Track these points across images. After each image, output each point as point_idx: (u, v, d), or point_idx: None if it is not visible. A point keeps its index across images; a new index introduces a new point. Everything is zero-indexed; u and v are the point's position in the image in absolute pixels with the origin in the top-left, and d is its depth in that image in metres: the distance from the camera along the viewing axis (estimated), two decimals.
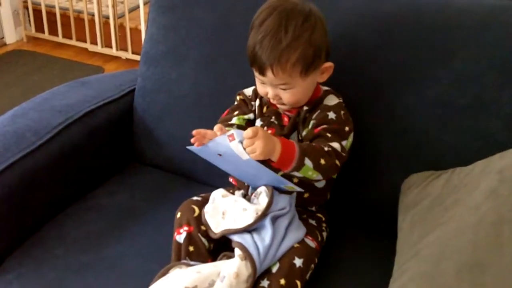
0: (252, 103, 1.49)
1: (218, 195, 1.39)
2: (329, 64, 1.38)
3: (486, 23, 1.39)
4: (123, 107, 1.78)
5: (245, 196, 1.40)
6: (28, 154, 1.50)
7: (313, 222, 1.42)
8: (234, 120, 1.46)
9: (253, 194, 1.38)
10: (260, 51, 1.29)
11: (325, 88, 1.44)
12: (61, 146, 1.59)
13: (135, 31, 3.82)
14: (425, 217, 1.24)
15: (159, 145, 1.76)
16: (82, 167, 1.67)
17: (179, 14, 1.70)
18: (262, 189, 1.35)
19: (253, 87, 1.49)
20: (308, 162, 1.27)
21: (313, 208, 1.46)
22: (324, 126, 1.36)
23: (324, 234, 1.43)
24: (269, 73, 1.31)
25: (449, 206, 1.19)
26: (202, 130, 1.32)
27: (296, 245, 1.31)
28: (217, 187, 1.44)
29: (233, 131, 1.27)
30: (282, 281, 1.25)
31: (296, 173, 1.29)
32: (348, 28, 1.49)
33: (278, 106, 1.42)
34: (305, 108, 1.40)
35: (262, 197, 1.34)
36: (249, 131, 1.24)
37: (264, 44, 1.29)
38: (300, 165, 1.27)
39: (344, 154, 1.34)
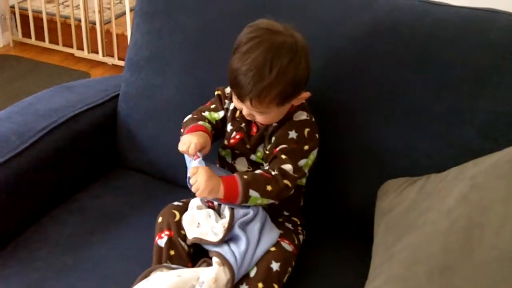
0: (226, 101, 1.50)
1: (194, 205, 1.43)
2: (306, 94, 1.40)
3: (462, 33, 1.42)
4: (107, 112, 1.80)
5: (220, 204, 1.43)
6: (12, 158, 1.52)
7: (289, 225, 1.45)
8: (206, 114, 1.50)
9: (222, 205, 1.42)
10: (243, 81, 1.29)
11: None
12: (45, 150, 1.60)
13: (122, 37, 3.82)
14: (399, 221, 1.26)
15: (142, 150, 1.77)
16: (66, 170, 1.68)
17: (163, 20, 1.72)
18: None
19: None
20: (253, 193, 1.31)
21: (286, 213, 1.48)
22: (282, 146, 1.37)
23: (301, 237, 1.45)
24: (247, 103, 1.32)
25: (423, 211, 1.21)
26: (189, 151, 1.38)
27: (273, 249, 1.33)
28: None
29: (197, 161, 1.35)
30: (260, 285, 1.28)
31: (246, 204, 1.34)
32: (327, 39, 1.51)
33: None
34: (274, 124, 1.42)
35: (226, 209, 1.39)
36: (192, 169, 1.32)
37: (247, 76, 1.28)
38: (246, 198, 1.31)
39: (295, 175, 1.35)
